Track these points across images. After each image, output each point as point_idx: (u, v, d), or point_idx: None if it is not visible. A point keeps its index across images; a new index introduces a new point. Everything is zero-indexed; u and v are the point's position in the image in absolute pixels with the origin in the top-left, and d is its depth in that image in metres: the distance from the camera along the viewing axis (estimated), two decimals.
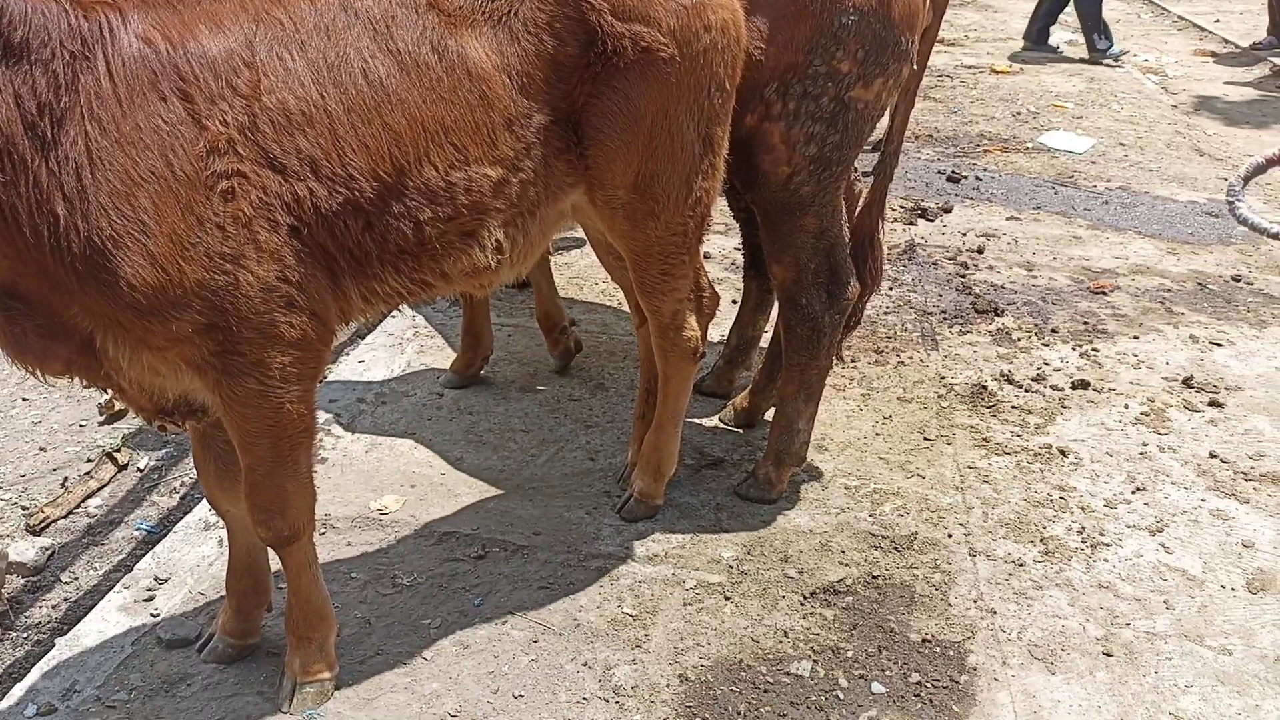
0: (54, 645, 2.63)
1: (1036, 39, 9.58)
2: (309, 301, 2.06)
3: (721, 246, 5.04)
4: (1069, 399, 3.78)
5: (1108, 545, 2.99)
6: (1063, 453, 3.44)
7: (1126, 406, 3.72)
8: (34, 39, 1.72)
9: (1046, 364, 4.05)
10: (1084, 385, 3.84)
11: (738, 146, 2.75)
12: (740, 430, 3.58)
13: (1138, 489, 3.24)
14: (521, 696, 2.46)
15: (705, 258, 4.93)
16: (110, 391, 2.18)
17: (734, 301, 4.56)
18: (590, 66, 2.28)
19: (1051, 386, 3.88)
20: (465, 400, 3.76)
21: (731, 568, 2.90)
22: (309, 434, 2.25)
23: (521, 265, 2.49)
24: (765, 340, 3.77)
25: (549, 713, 2.41)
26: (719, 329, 4.00)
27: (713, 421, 3.65)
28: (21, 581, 2.98)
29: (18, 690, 2.47)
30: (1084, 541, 3.00)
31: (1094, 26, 9.16)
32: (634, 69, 2.30)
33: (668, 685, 2.50)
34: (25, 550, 3.03)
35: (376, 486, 3.26)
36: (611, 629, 2.67)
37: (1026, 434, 3.57)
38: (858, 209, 3.26)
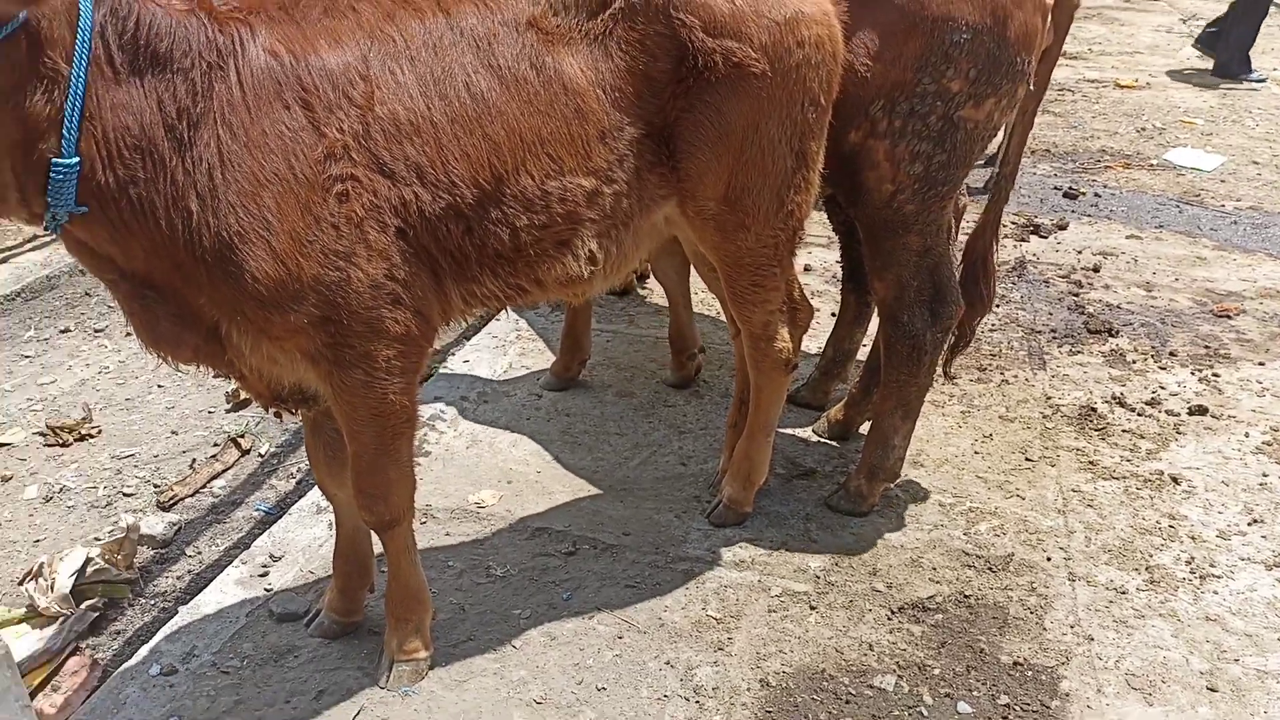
0: (177, 613, 2.82)
1: (1236, 69, 8.57)
2: (413, 299, 2.18)
3: (823, 259, 5.02)
4: (1185, 425, 3.63)
5: (1218, 577, 2.86)
6: (1175, 480, 3.31)
7: (1247, 435, 3.55)
8: (176, 49, 1.89)
9: (1162, 388, 3.89)
10: (1202, 411, 3.68)
11: (842, 162, 2.75)
12: (834, 442, 3.57)
13: (1255, 521, 3.09)
14: (604, 689, 2.52)
15: (806, 270, 4.95)
16: (232, 378, 2.34)
17: (833, 314, 4.55)
18: (682, 82, 2.33)
19: (1167, 411, 3.73)
20: (563, 402, 3.86)
21: (818, 578, 2.90)
22: (410, 425, 2.36)
23: (614, 276, 2.56)
24: (863, 354, 3.74)
25: (630, 706, 2.47)
26: (817, 341, 4.00)
27: (806, 433, 3.64)
28: (150, 553, 3.21)
29: (144, 651, 2.67)
30: (1193, 572, 2.88)
31: (1241, 49, 8.67)
32: (725, 84, 2.34)
33: (748, 689, 2.52)
34: (155, 524, 3.27)
35: (475, 481, 3.38)
36: (695, 630, 2.71)
37: (1137, 459, 3.44)
38: (973, 230, 3.21)
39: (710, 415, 3.76)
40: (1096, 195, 6.12)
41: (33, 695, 2.58)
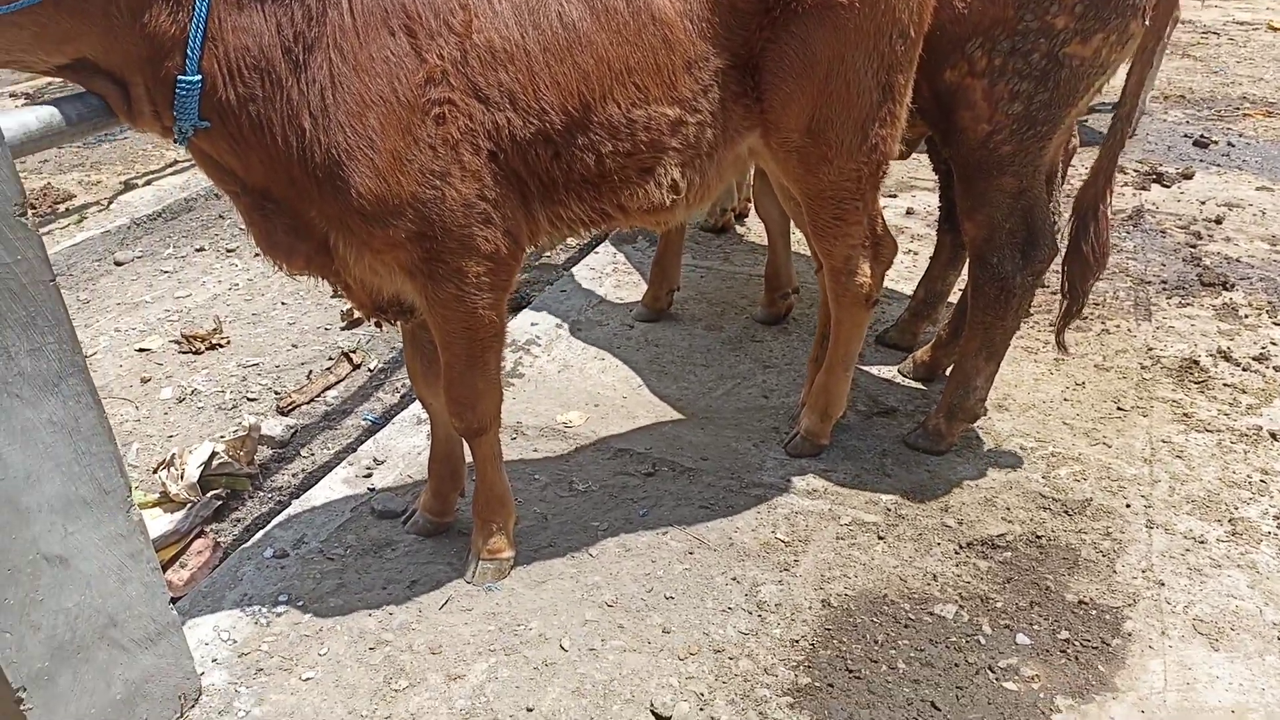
0: (290, 505, 3.10)
1: None
2: (503, 219, 2.30)
3: (927, 203, 4.95)
4: None
5: None
6: (1274, 436, 3.20)
7: None
8: None
9: (1274, 343, 3.73)
10: None
11: (936, 100, 2.71)
12: (918, 384, 3.58)
13: None
14: (672, 598, 2.66)
15: (909, 214, 4.90)
16: (338, 288, 2.52)
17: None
18: (769, 12, 2.35)
19: (1275, 368, 3.58)
20: (653, 333, 3.98)
21: (889, 510, 2.96)
22: (499, 339, 2.51)
23: (697, 205, 2.62)
24: (954, 297, 3.72)
25: (695, 615, 2.60)
26: (911, 284, 3.99)
27: (892, 373, 3.66)
28: (269, 452, 3.51)
29: (260, 536, 2.95)
30: (1279, 527, 2.81)
31: None
32: (812, 15, 2.35)
33: (809, 607, 2.62)
34: (274, 426, 3.57)
35: (564, 403, 3.55)
36: (763, 551, 2.81)
37: (1236, 414, 3.34)
38: (1085, 179, 3.10)
39: (796, 351, 3.81)
40: (1230, 144, 5.80)
41: (163, 570, 2.90)
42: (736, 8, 2.34)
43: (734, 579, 2.72)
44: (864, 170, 2.62)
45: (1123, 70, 2.76)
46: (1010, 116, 2.69)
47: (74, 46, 1.93)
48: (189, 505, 3.17)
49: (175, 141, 2.08)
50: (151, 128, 2.08)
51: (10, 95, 7.10)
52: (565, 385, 3.66)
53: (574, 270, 4.57)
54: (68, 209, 5.41)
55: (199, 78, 1.97)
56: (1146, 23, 2.63)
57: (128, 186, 5.69)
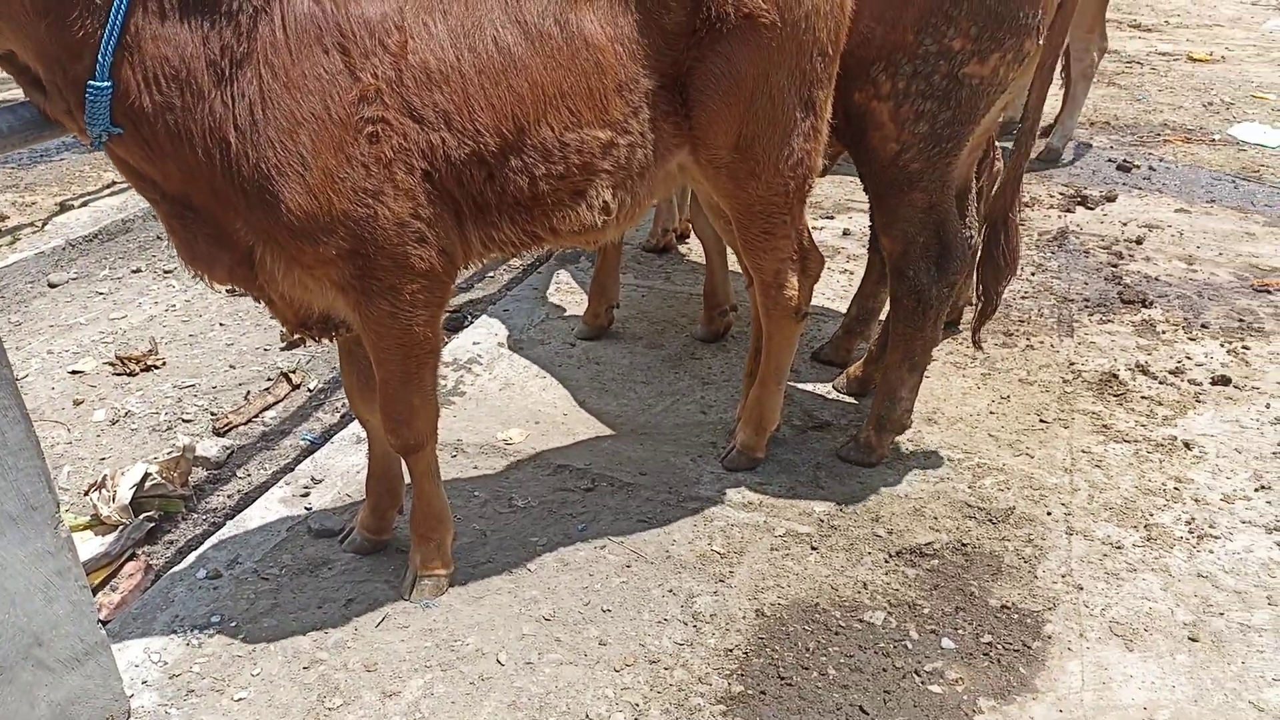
0: (225, 526, 3.07)
1: None
2: (437, 239, 2.32)
3: (862, 224, 5.08)
4: (1205, 394, 3.64)
5: (1216, 538, 2.91)
6: (1187, 445, 3.34)
7: (1268, 406, 3.55)
8: None
9: (1189, 358, 3.90)
10: (1225, 381, 3.69)
11: (848, 120, 2.82)
12: (851, 398, 3.67)
13: (1262, 487, 3.12)
14: (609, 611, 2.69)
15: (845, 234, 5.02)
16: (261, 302, 2.49)
17: None
18: (696, 33, 2.42)
19: (1189, 381, 3.74)
20: (594, 351, 4.03)
21: (822, 521, 3.03)
22: (434, 355, 2.52)
23: (627, 224, 2.68)
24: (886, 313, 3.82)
25: (632, 627, 2.63)
26: (844, 304, 4.09)
27: (827, 389, 3.75)
28: (204, 473, 3.48)
29: (194, 558, 2.92)
30: (1191, 532, 2.94)
31: None
32: (736, 34, 2.43)
33: (744, 617, 2.67)
34: (210, 448, 3.53)
35: (505, 420, 3.57)
36: (699, 563, 2.86)
37: (1152, 425, 3.48)
38: (995, 190, 3.25)
39: (735, 368, 3.89)
40: (1151, 169, 6.04)
41: (93, 593, 2.86)
42: (665, 29, 2.41)
43: (670, 591, 2.76)
44: (790, 184, 2.70)
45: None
46: (917, 135, 2.80)
47: None
48: (121, 527, 3.12)
49: (91, 144, 2.08)
50: (70, 126, 2.07)
51: None
52: (506, 403, 3.69)
53: (516, 289, 4.61)
54: (0, 230, 5.30)
55: (109, 84, 1.96)
56: (1040, 41, 2.77)
57: (63, 208, 5.60)
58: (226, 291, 2.42)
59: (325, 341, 2.61)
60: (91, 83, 1.96)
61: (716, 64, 2.46)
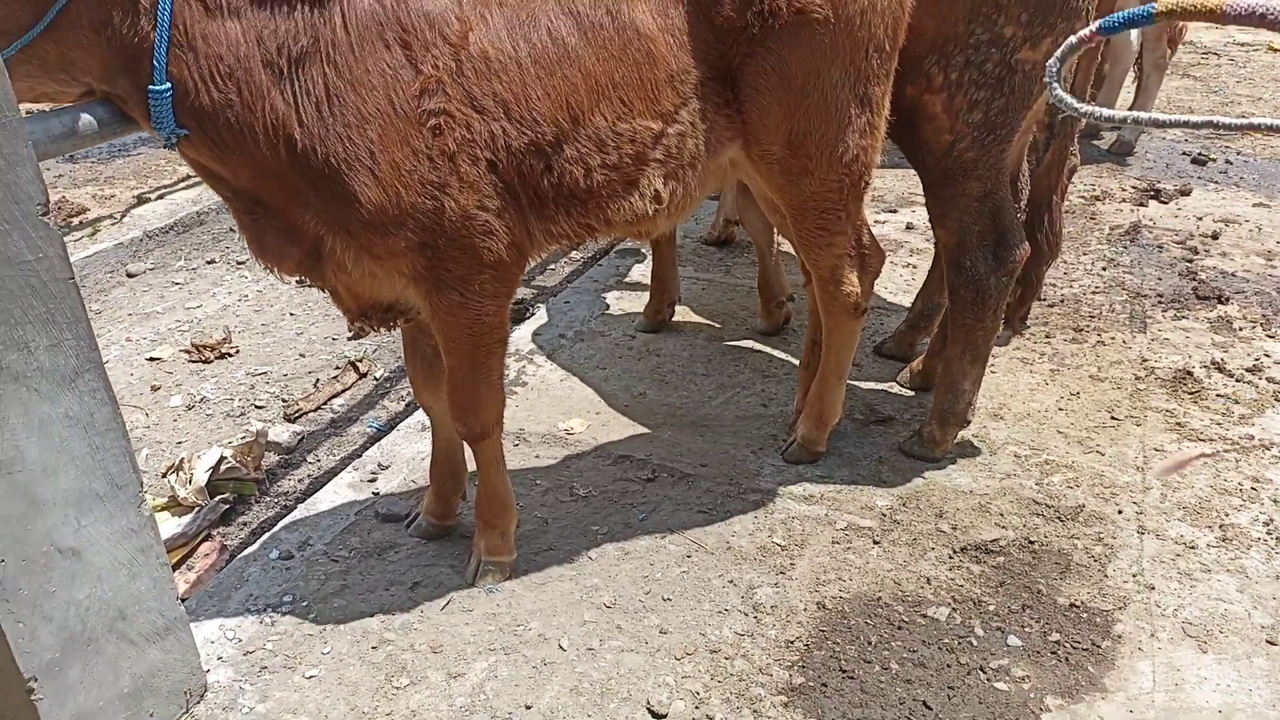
0: (295, 509, 3.16)
1: None
2: (506, 230, 2.35)
3: (925, 218, 5.01)
4: None
5: None
6: (1265, 446, 3.24)
7: None
8: None
9: (1267, 355, 3.78)
10: None
11: (899, 115, 2.79)
12: (915, 393, 3.63)
13: None
14: (670, 600, 2.71)
15: (909, 229, 4.96)
16: (325, 291, 2.53)
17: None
18: (747, 28, 2.41)
19: (1268, 379, 3.63)
20: (654, 343, 4.04)
21: (885, 515, 3.00)
22: (502, 344, 2.56)
23: (679, 215, 2.69)
24: None
25: (692, 616, 2.64)
26: (909, 297, 4.04)
27: (889, 383, 3.71)
28: (276, 458, 3.57)
29: (267, 539, 3.00)
30: (1269, 533, 2.85)
31: None
32: (788, 30, 2.41)
33: (804, 609, 2.66)
34: (282, 433, 3.63)
35: (566, 410, 3.61)
36: (760, 555, 2.86)
37: (1228, 423, 3.38)
38: (1037, 174, 3.20)
39: (795, 361, 3.87)
40: (1228, 162, 5.87)
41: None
42: (716, 23, 2.41)
43: (730, 581, 2.76)
44: (845, 181, 2.68)
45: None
46: (970, 125, 2.78)
47: (73, 73, 2.01)
48: (197, 509, 3.22)
49: (165, 146, 2.15)
50: (152, 133, 2.14)
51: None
52: (567, 394, 3.72)
53: (577, 281, 4.64)
54: (81, 222, 5.51)
55: (167, 86, 2.02)
56: (1093, 21, 2.72)
57: (140, 200, 5.79)
58: (295, 283, 2.49)
59: (385, 331, 2.67)
60: (151, 87, 2.02)
61: (768, 59, 2.45)
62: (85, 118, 2.01)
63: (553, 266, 5.05)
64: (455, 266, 2.34)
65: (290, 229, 2.27)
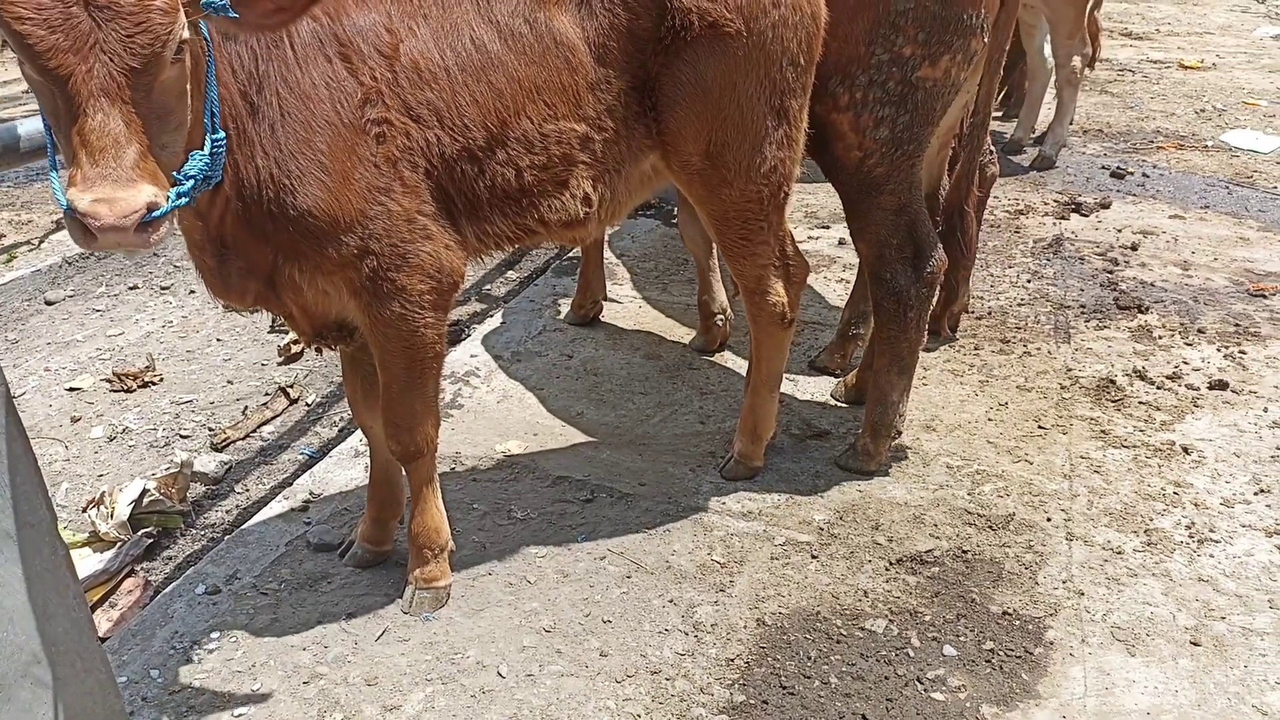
0: (223, 541, 3.06)
1: None
2: (441, 234, 2.38)
3: None
4: (1203, 399, 3.65)
5: (1216, 542, 2.91)
6: (1186, 450, 3.35)
7: (1266, 410, 3.55)
8: None
9: (1186, 363, 3.90)
10: (1222, 386, 3.69)
11: (811, 132, 2.86)
12: (849, 406, 3.67)
13: (1261, 490, 3.12)
14: (610, 622, 2.68)
15: (840, 244, 5.03)
16: (280, 316, 2.55)
17: None
18: (662, 40, 2.48)
19: (1187, 385, 3.75)
20: (592, 362, 4.03)
21: (822, 530, 3.02)
22: (438, 360, 2.55)
23: (610, 220, 2.75)
24: None
25: (633, 638, 2.63)
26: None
27: (824, 397, 3.75)
28: (202, 489, 3.47)
29: (193, 574, 2.91)
30: (1191, 536, 2.94)
31: None
32: (702, 43, 2.48)
33: (745, 626, 2.66)
34: (208, 463, 3.53)
35: (503, 432, 3.57)
36: (699, 573, 2.85)
37: (1150, 430, 3.48)
38: (950, 184, 3.30)
39: (733, 378, 3.89)
40: (1145, 175, 6.07)
41: (92, 610, 2.84)
42: (633, 34, 2.47)
43: (670, 601, 2.75)
44: (764, 192, 2.73)
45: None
46: (878, 141, 2.86)
47: None
48: (119, 544, 3.11)
49: (180, 204, 2.06)
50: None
51: None
52: (504, 415, 3.69)
53: (513, 302, 4.61)
54: None
55: (223, 134, 1.99)
56: (986, 39, 2.85)
57: (59, 226, 5.60)
58: (230, 310, 2.45)
59: (336, 350, 2.64)
60: (214, 136, 1.96)
61: (684, 71, 2.51)
62: (23, 132, 1.93)
63: (488, 287, 5.01)
64: (395, 275, 2.35)
65: (251, 265, 2.27)
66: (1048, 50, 6.14)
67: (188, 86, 1.83)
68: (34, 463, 1.99)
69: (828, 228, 5.33)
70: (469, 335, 4.32)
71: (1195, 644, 2.55)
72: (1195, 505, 3.07)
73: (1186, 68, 8.71)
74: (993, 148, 3.77)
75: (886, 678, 2.49)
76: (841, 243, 5.12)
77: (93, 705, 2.22)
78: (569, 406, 3.73)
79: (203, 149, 1.91)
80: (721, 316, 4.05)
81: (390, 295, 2.36)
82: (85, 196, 1.64)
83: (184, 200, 1.80)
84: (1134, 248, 5.01)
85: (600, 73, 2.45)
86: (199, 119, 1.92)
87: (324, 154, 2.17)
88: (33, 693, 2.06)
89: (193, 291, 4.92)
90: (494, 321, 4.40)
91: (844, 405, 3.68)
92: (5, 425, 1.91)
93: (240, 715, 2.41)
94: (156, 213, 1.70)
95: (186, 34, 1.76)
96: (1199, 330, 4.15)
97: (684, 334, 4.25)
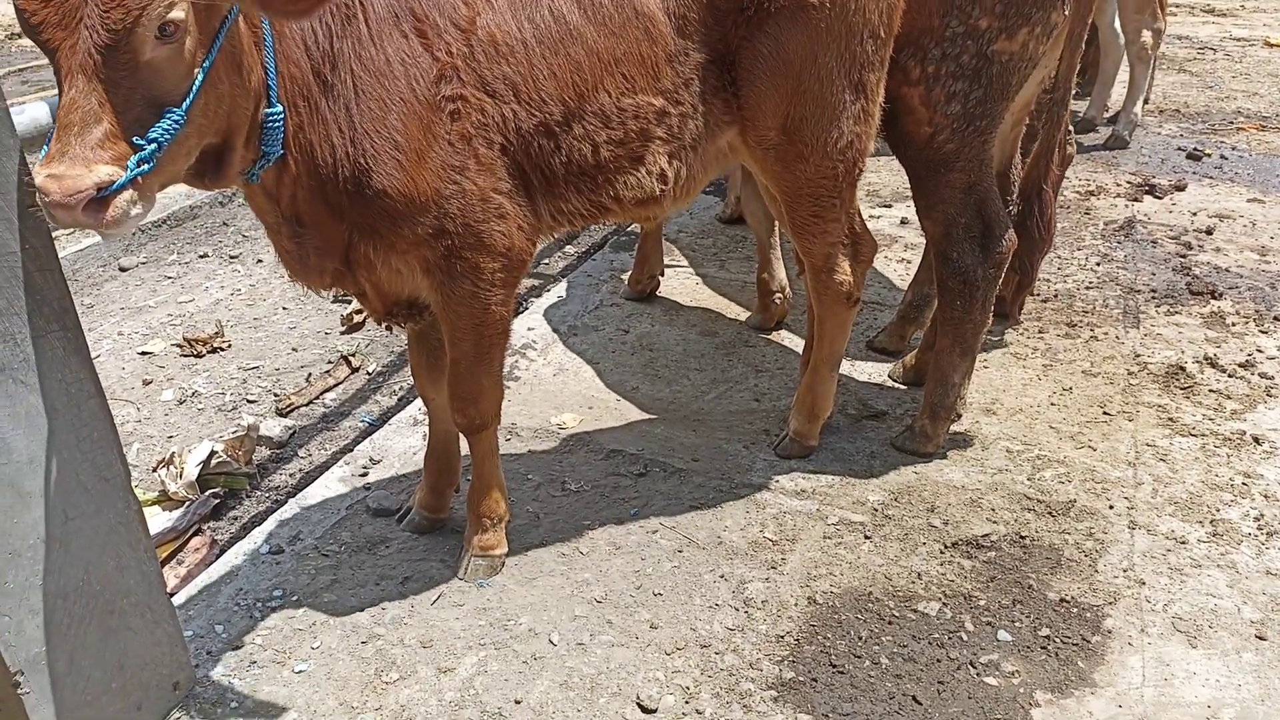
0: (286, 504, 3.15)
1: None
2: (516, 213, 2.38)
3: None
4: (1277, 388, 3.53)
5: None
6: (1257, 440, 3.24)
7: None
8: None
9: (1260, 350, 3.78)
10: None
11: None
12: (907, 387, 3.63)
13: None
14: (660, 595, 2.70)
15: (903, 223, 4.95)
16: (355, 295, 2.57)
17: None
18: (744, 11, 2.44)
19: (1260, 374, 3.63)
20: (647, 338, 4.04)
21: (876, 510, 3.00)
22: (505, 336, 2.58)
23: (684, 199, 2.70)
24: None
25: (683, 611, 2.64)
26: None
27: (881, 378, 3.71)
28: (267, 452, 3.56)
29: (257, 534, 2.99)
30: (1260, 529, 2.85)
31: None
32: (784, 14, 2.43)
33: (795, 604, 2.66)
34: (273, 428, 3.62)
35: (559, 405, 3.60)
36: (751, 550, 2.86)
37: (1220, 418, 3.38)
38: (1029, 163, 3.20)
39: (788, 356, 3.86)
40: (1223, 157, 5.86)
41: (161, 566, 2.94)
42: (714, 5, 2.43)
43: (722, 576, 2.76)
44: (839, 168, 2.69)
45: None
46: (950, 117, 2.79)
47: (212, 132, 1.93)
48: (187, 503, 3.22)
49: (245, 182, 2.10)
50: (229, 183, 2.08)
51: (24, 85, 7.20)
52: (560, 388, 3.72)
53: (571, 276, 4.63)
54: None
55: (280, 108, 2.01)
56: (1068, 12, 2.75)
57: None
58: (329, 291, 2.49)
59: (405, 328, 2.66)
60: (269, 110, 1.99)
61: (764, 44, 2.47)
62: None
63: (546, 261, 5.04)
64: (469, 254, 2.36)
65: (327, 245, 2.29)
66: (1118, 25, 5.94)
67: (195, 68, 1.77)
68: (110, 420, 2.07)
69: (890, 206, 5.25)
70: (526, 309, 4.35)
71: (1261, 638, 2.48)
72: (1265, 497, 2.98)
73: (1272, 45, 8.36)
74: (1070, 127, 3.66)
75: (938, 660, 2.47)
76: (904, 222, 5.04)
77: (161, 655, 2.31)
78: (624, 381, 3.75)
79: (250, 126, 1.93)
80: (780, 294, 4.02)
81: (463, 274, 2.37)
82: (42, 172, 1.63)
83: (145, 167, 1.70)
84: (1209, 232, 4.85)
85: (679, 44, 2.42)
86: (243, 97, 1.91)
87: (398, 132, 2.16)
88: (105, 640, 2.16)
89: (260, 260, 5.04)
90: (551, 295, 4.43)
91: (902, 386, 3.64)
92: (84, 384, 1.98)
93: (300, 671, 2.48)
94: (111, 188, 1.65)
95: (179, 14, 1.70)
96: (1275, 318, 4.01)
97: (740, 311, 4.23)
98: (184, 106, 1.76)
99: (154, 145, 1.72)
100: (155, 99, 1.73)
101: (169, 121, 1.74)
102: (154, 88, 1.73)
